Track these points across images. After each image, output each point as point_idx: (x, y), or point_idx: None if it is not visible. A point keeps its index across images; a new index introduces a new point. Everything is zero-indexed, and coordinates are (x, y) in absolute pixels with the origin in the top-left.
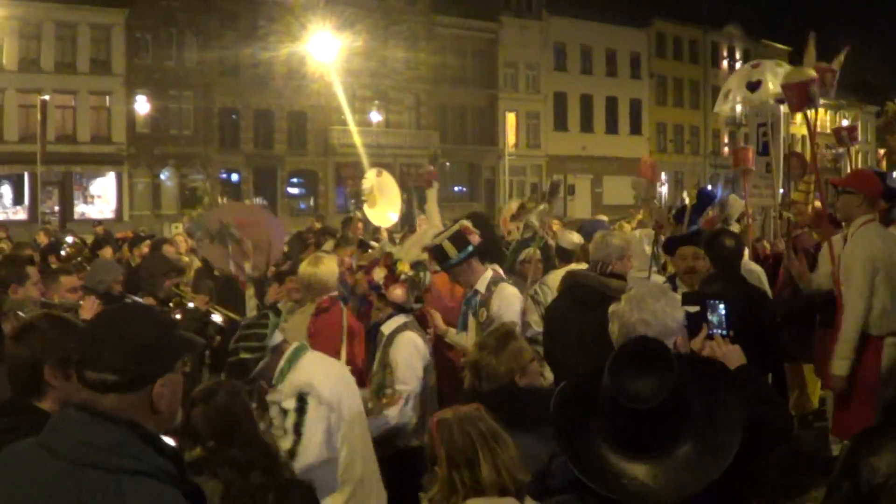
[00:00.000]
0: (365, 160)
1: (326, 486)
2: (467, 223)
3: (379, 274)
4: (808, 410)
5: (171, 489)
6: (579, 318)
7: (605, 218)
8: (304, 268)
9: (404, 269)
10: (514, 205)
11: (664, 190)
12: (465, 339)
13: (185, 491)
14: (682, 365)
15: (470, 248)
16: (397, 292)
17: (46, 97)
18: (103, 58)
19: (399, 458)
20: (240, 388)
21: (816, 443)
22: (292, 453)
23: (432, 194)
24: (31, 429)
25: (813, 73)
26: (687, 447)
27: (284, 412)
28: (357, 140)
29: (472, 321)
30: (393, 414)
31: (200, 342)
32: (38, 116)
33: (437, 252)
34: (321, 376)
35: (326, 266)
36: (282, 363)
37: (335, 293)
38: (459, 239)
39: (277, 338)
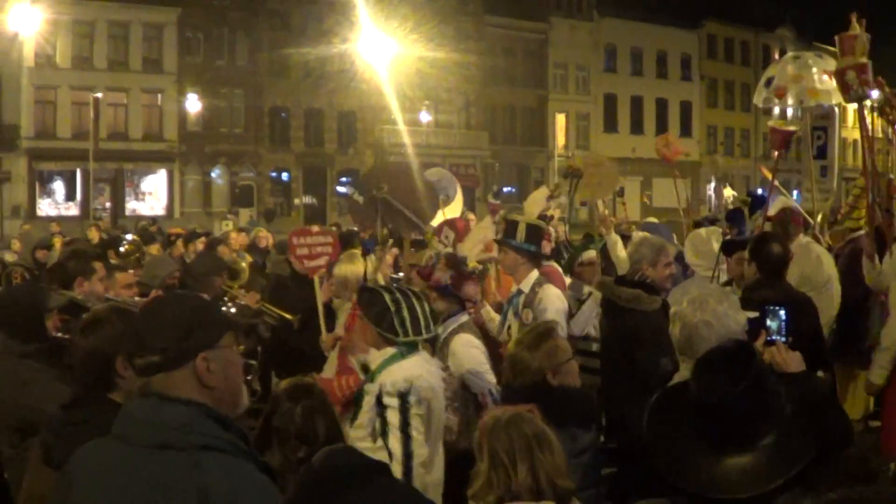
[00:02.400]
0: (414, 160)
1: (433, 486)
2: (551, 230)
3: (444, 274)
4: (856, 417)
5: (244, 462)
6: (604, 325)
7: (654, 220)
8: (340, 266)
9: (474, 265)
10: (540, 195)
11: (712, 191)
12: (501, 332)
13: (258, 466)
14: (763, 365)
15: (533, 248)
16: (470, 290)
17: (99, 95)
18: (155, 56)
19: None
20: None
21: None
22: (406, 455)
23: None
24: (103, 420)
25: (854, 61)
26: (770, 439)
27: (383, 408)
28: (407, 140)
29: (514, 322)
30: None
31: (241, 322)
32: (91, 114)
33: (510, 225)
34: (423, 373)
35: (362, 263)
36: (385, 358)
37: None
38: (534, 233)
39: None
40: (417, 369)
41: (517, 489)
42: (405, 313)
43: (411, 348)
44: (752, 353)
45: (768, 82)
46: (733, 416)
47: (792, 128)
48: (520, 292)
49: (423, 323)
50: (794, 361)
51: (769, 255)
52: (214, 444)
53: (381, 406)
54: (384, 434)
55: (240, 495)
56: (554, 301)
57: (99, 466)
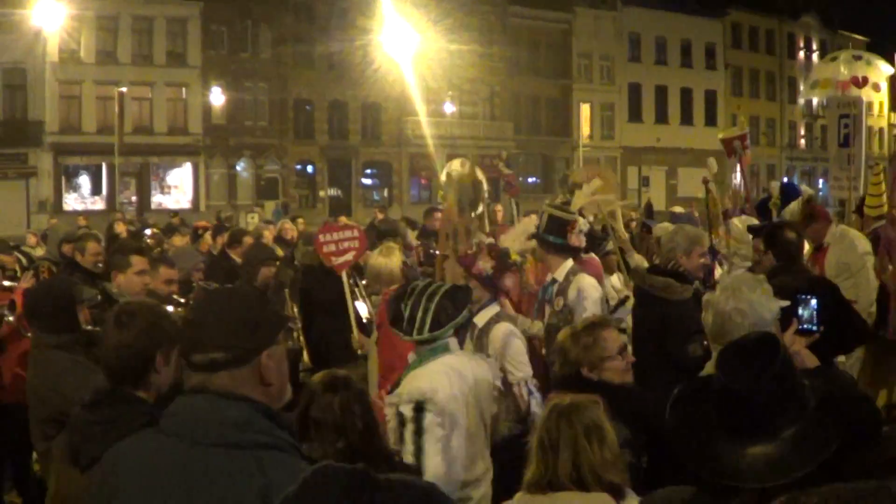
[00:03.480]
0: (433, 151)
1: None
2: (580, 222)
3: (486, 264)
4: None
5: (300, 461)
6: (636, 315)
7: (680, 209)
8: (375, 259)
9: (515, 257)
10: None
11: (737, 181)
12: (535, 327)
13: (307, 462)
14: (789, 356)
15: (559, 241)
16: (508, 281)
17: (124, 89)
18: (179, 50)
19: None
20: None
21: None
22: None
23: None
24: (132, 419)
25: None
26: (792, 430)
27: (401, 417)
28: (429, 131)
29: (547, 310)
30: (534, 406)
31: (289, 318)
32: (116, 108)
33: (540, 218)
34: (443, 383)
35: (396, 257)
36: (411, 362)
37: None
38: (555, 224)
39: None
40: (439, 376)
41: (560, 478)
42: (407, 311)
43: (438, 350)
44: (777, 344)
45: (814, 83)
46: (757, 405)
47: (738, 132)
48: (553, 281)
49: (416, 324)
50: (807, 356)
51: (785, 241)
52: (272, 443)
53: (400, 416)
54: (401, 444)
55: None
56: (589, 290)
57: (150, 462)
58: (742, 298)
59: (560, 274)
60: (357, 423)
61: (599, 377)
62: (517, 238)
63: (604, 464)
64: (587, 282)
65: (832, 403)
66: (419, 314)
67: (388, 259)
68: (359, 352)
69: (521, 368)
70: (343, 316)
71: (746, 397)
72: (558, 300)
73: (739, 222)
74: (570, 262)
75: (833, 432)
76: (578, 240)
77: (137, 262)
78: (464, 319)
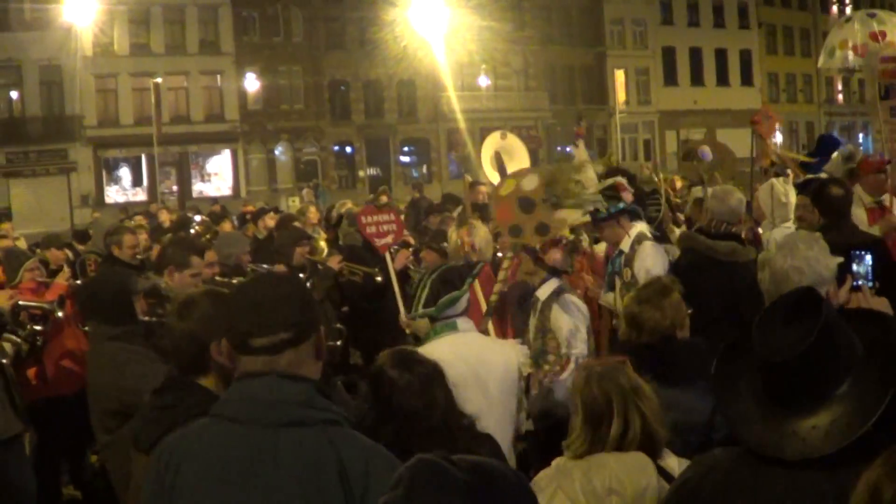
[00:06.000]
0: (466, 126)
1: None
2: (622, 180)
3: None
4: None
5: (358, 433)
6: (688, 281)
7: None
8: (456, 235)
9: (566, 233)
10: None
11: (778, 140)
12: (613, 300)
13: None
14: (832, 312)
15: (621, 205)
16: (556, 255)
17: (159, 80)
18: (212, 38)
19: (557, 428)
20: None
21: None
22: None
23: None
24: (194, 404)
25: None
26: (845, 387)
27: None
28: (465, 105)
29: (617, 281)
30: (567, 380)
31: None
32: (152, 99)
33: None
34: (450, 359)
35: (480, 233)
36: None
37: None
38: (612, 194)
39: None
40: (436, 352)
41: (611, 440)
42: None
43: (446, 328)
44: (818, 302)
45: (832, 50)
46: (803, 373)
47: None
48: (620, 252)
49: (413, 302)
50: (880, 307)
51: (831, 198)
52: (332, 418)
53: None
54: None
55: (370, 465)
56: (654, 256)
57: (215, 451)
58: (799, 256)
59: (625, 244)
60: (438, 396)
61: (683, 337)
62: (571, 212)
63: (654, 418)
64: (651, 248)
65: (881, 349)
66: (418, 292)
67: (469, 237)
68: (406, 331)
69: (575, 345)
70: (388, 295)
71: (790, 367)
72: (626, 271)
73: (780, 184)
74: (635, 231)
75: (886, 380)
76: (630, 195)
77: (197, 264)
78: (457, 296)
